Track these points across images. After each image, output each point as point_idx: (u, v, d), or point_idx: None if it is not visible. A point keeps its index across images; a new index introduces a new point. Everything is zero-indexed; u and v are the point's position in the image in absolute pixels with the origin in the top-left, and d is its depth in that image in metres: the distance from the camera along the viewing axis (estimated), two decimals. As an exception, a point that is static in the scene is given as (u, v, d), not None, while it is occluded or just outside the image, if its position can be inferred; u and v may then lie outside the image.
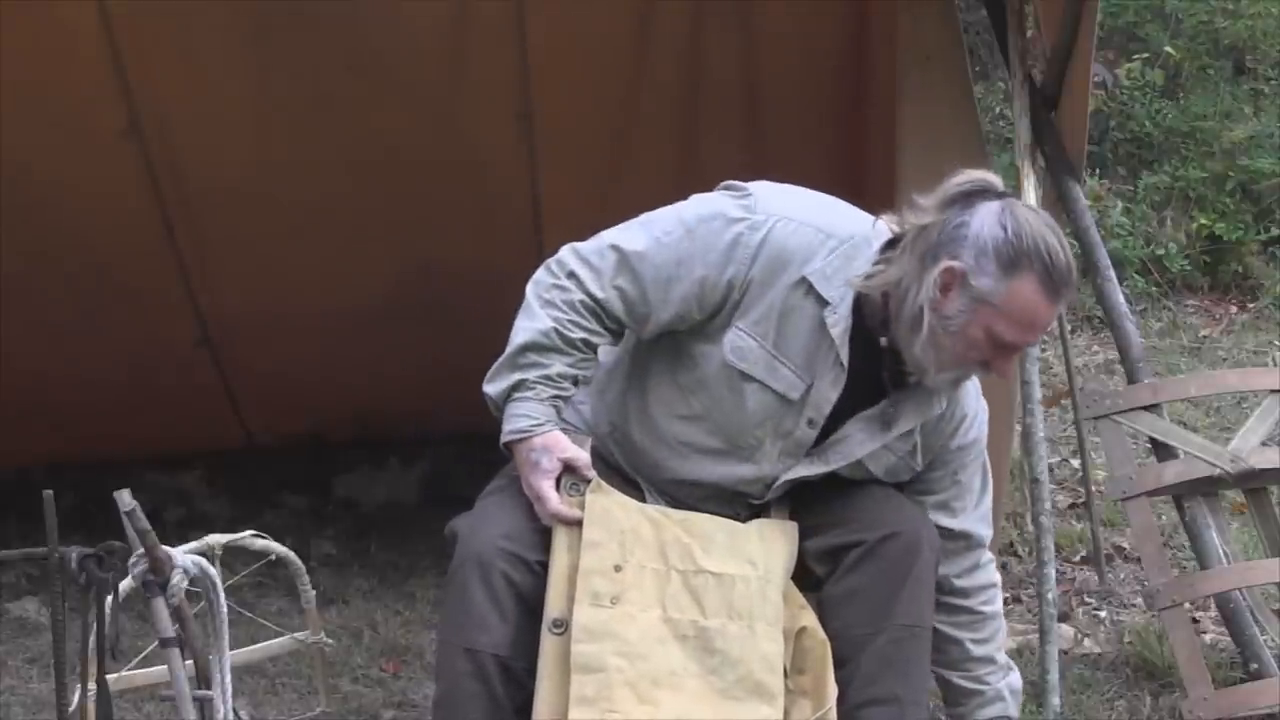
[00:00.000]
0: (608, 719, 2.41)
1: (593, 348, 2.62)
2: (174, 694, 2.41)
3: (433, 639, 3.16)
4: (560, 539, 2.56)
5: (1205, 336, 6.64)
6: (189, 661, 2.44)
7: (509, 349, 2.59)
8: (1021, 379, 3.41)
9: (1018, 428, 3.74)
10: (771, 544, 2.64)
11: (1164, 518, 4.05)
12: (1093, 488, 4.16)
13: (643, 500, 2.67)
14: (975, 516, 2.80)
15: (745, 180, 2.67)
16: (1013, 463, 3.92)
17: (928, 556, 2.65)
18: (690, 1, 3.90)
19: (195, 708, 2.41)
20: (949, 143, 3.64)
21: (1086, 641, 3.72)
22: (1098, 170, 7.26)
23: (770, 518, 2.72)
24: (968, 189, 2.53)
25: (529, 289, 2.62)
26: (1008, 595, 4.01)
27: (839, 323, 2.56)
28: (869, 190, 4.11)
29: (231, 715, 2.48)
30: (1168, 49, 7.76)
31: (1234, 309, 7.00)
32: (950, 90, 3.65)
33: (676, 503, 2.69)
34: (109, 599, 2.28)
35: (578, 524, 2.55)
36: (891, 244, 2.58)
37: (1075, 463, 4.67)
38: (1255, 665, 3.33)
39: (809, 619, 2.62)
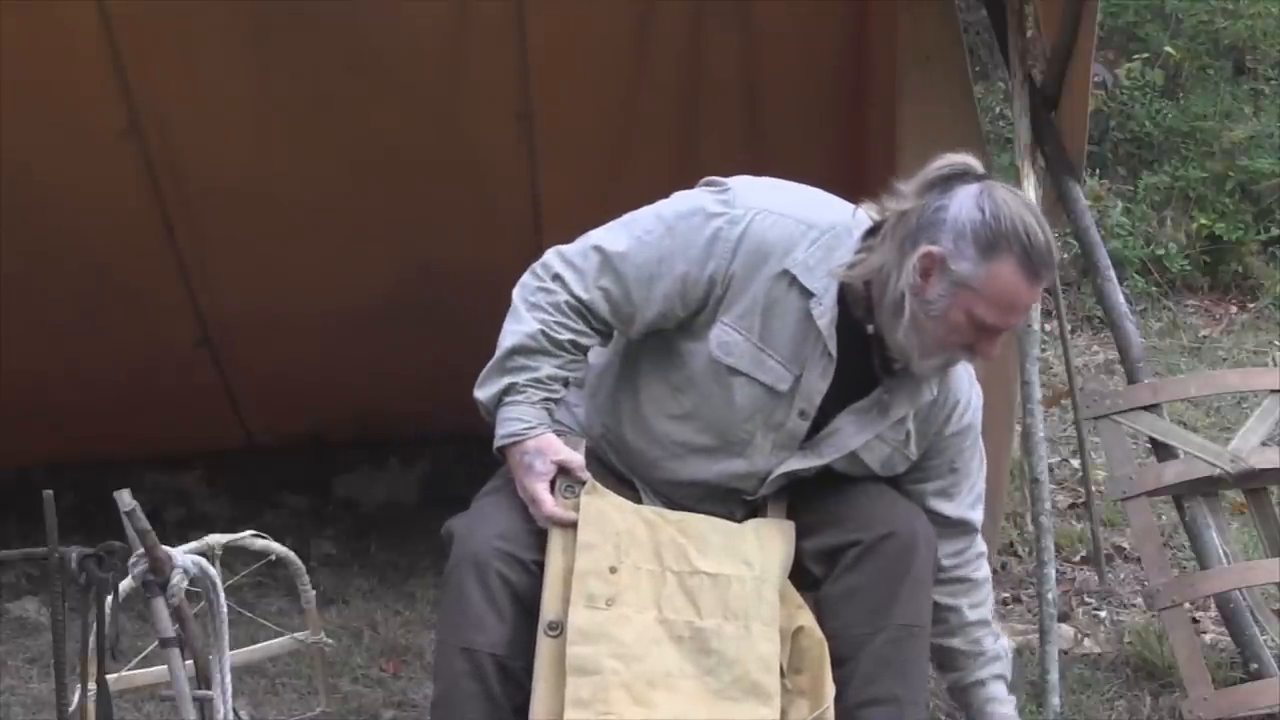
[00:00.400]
0: (603, 720, 2.42)
1: (581, 349, 2.63)
2: (174, 694, 2.41)
3: (432, 639, 3.16)
4: (555, 541, 2.56)
5: (1205, 336, 6.64)
6: (189, 661, 2.44)
7: (497, 353, 2.61)
8: (1021, 379, 3.41)
9: (1018, 428, 3.74)
10: (768, 544, 2.64)
11: (1164, 518, 4.05)
12: (1093, 488, 4.16)
13: (638, 501, 2.67)
14: (971, 502, 2.81)
15: None
16: (1013, 463, 3.93)
17: (925, 555, 2.65)
18: (690, 1, 3.90)
19: (195, 708, 2.41)
20: (949, 143, 3.61)
21: (1086, 641, 3.72)
22: (1098, 170, 7.26)
23: (767, 517, 2.72)
24: (946, 173, 2.54)
25: (515, 293, 2.63)
26: (1008, 595, 4.02)
27: (825, 313, 2.56)
28: (869, 190, 4.09)
29: (231, 715, 2.48)
30: (1168, 49, 7.76)
31: (1234, 309, 7.00)
32: (950, 90, 3.65)
33: (672, 503, 2.69)
34: (109, 599, 2.28)
35: (573, 526, 2.55)
36: (872, 232, 2.58)
37: (1075, 463, 4.67)
38: (1255, 665, 3.33)
39: (806, 618, 2.62)
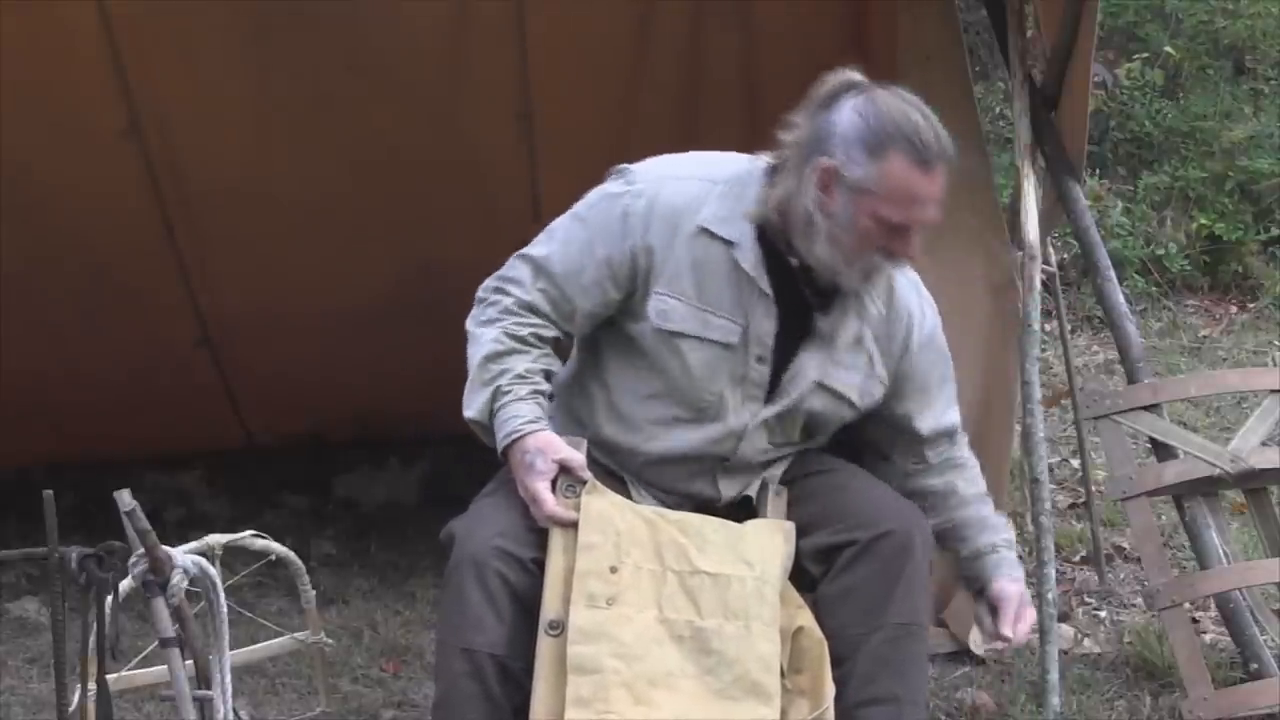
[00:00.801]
0: (604, 720, 2.42)
1: (545, 341, 2.69)
2: (174, 694, 2.41)
3: (432, 639, 3.16)
4: (556, 541, 2.56)
5: (1205, 336, 6.65)
6: (189, 661, 2.44)
7: (471, 372, 2.67)
8: (1021, 379, 3.41)
9: (1018, 428, 3.74)
10: (768, 544, 2.64)
11: (1164, 518, 4.05)
12: (1093, 488, 4.16)
13: (628, 496, 2.68)
14: (945, 408, 2.85)
15: None
16: (1013, 463, 3.92)
17: (920, 555, 2.65)
18: (690, 1, 3.90)
19: (195, 708, 2.41)
20: (949, 142, 3.64)
21: (1086, 641, 3.72)
22: (1098, 170, 7.27)
23: (767, 518, 2.72)
24: (829, 91, 2.62)
25: (468, 325, 2.72)
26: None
27: (748, 256, 2.63)
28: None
29: (231, 715, 2.48)
30: (1168, 49, 7.76)
31: (1234, 309, 7.00)
32: (950, 90, 3.64)
33: (661, 489, 2.72)
34: (109, 599, 2.28)
35: (573, 526, 2.55)
36: (775, 170, 2.65)
37: (1075, 463, 4.67)
38: (1255, 665, 3.33)
39: (806, 618, 2.62)
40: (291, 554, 3.06)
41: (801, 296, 2.66)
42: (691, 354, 2.65)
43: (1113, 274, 3.62)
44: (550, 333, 2.69)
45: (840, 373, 2.71)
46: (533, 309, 2.68)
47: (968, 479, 2.87)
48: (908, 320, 2.76)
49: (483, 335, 2.68)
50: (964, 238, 3.60)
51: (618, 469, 2.74)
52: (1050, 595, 3.29)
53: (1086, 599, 4.04)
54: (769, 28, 3.95)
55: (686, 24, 3.93)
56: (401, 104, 3.89)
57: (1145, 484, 3.36)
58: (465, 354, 2.73)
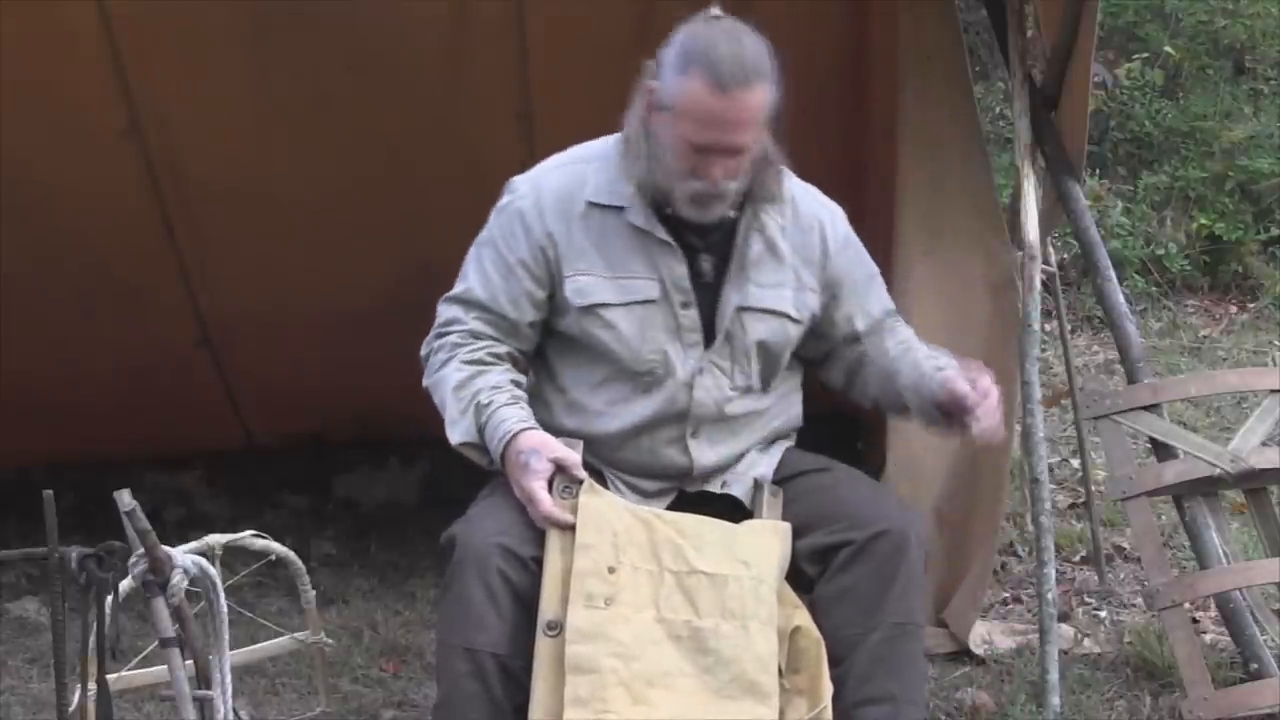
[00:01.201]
0: (602, 720, 2.42)
1: (502, 358, 2.76)
2: (174, 694, 2.41)
3: (432, 639, 3.16)
4: (554, 541, 2.57)
5: (1205, 336, 6.65)
6: (189, 661, 2.44)
7: (446, 409, 2.73)
8: (1021, 379, 3.41)
9: (1018, 428, 3.74)
10: (764, 544, 2.65)
11: (1164, 518, 4.05)
12: (1093, 488, 4.15)
13: (605, 487, 2.70)
14: (880, 300, 2.92)
15: None
16: (1013, 463, 3.92)
17: (916, 554, 2.66)
18: (690, 2, 3.90)
19: (195, 708, 2.41)
20: (949, 143, 3.64)
21: (1086, 641, 3.72)
22: (1098, 170, 7.27)
23: (763, 519, 2.72)
24: (673, 35, 2.70)
25: (424, 382, 2.83)
26: (1008, 595, 4.02)
27: (638, 214, 2.71)
28: (869, 190, 4.12)
29: (231, 715, 2.48)
30: (1167, 49, 7.76)
31: (1234, 309, 7.00)
32: (950, 90, 3.64)
33: (639, 475, 2.76)
34: (109, 599, 2.28)
35: (569, 529, 2.56)
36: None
37: (1075, 463, 4.66)
38: (1255, 665, 3.33)
39: (803, 618, 2.62)
40: (291, 554, 3.06)
41: (713, 242, 2.73)
42: (620, 321, 2.71)
43: (1113, 274, 3.62)
44: (503, 349, 2.77)
45: (767, 293, 2.77)
46: (477, 335, 2.77)
47: (903, 336, 2.91)
48: (819, 227, 2.83)
49: (443, 376, 2.76)
50: (964, 238, 3.60)
51: (595, 462, 2.75)
52: (1050, 595, 3.29)
53: (1086, 599, 4.04)
54: (769, 28, 3.94)
55: (686, 24, 3.92)
56: (401, 104, 3.89)
57: (1145, 484, 3.36)
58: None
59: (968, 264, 3.59)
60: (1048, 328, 4.17)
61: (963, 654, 3.62)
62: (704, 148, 2.62)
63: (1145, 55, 7.71)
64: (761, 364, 2.80)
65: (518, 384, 2.75)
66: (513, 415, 2.65)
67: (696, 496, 2.80)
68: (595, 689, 2.43)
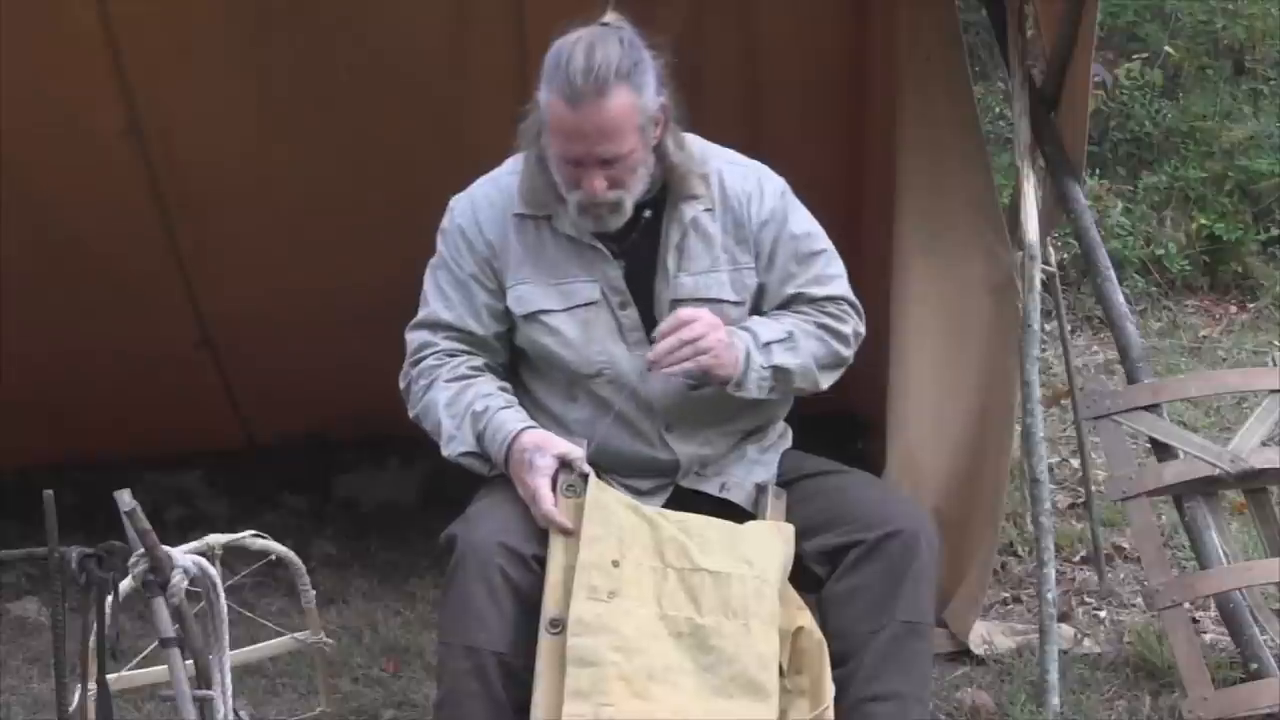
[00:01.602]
0: (602, 713, 2.42)
1: (482, 370, 2.79)
2: (174, 694, 2.41)
3: (433, 639, 3.16)
4: (557, 540, 2.58)
5: (1205, 336, 6.64)
6: (189, 661, 2.44)
7: (442, 426, 2.74)
8: (1021, 379, 3.41)
9: (1018, 428, 3.74)
10: (767, 545, 2.65)
11: (1164, 518, 4.05)
12: (1093, 488, 4.15)
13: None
14: (819, 276, 2.86)
15: None
16: (1013, 463, 3.92)
17: (927, 554, 2.67)
18: (690, 1, 3.90)
19: (195, 708, 2.41)
20: (949, 143, 3.64)
21: (1086, 641, 3.72)
22: (1098, 170, 7.26)
23: (767, 520, 2.72)
24: None
25: (411, 415, 2.83)
26: (1008, 595, 4.02)
27: (566, 221, 2.72)
28: (869, 190, 4.12)
29: (231, 715, 2.48)
30: (1167, 49, 7.76)
31: (1234, 309, 7.00)
32: (950, 90, 3.64)
33: (631, 473, 2.77)
34: (109, 599, 2.28)
35: (568, 533, 2.57)
36: None
37: (1075, 463, 4.66)
38: (1255, 665, 3.32)
39: (805, 619, 2.63)
40: (291, 554, 3.06)
41: (638, 242, 2.74)
42: (563, 326, 2.74)
43: (1113, 274, 3.62)
44: (479, 361, 2.80)
45: (699, 280, 2.77)
46: (452, 354, 2.79)
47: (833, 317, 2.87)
48: (745, 201, 2.81)
49: (430, 400, 2.77)
50: (964, 238, 3.60)
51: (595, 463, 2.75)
52: (1050, 595, 3.29)
53: (1086, 599, 4.03)
54: (769, 28, 3.95)
55: (686, 24, 3.92)
56: (401, 104, 3.89)
57: (1145, 484, 3.36)
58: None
59: (967, 264, 3.58)
60: (1048, 328, 4.17)
61: (963, 654, 3.61)
62: (576, 160, 2.64)
63: (1145, 55, 7.70)
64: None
65: (506, 390, 2.77)
66: (511, 417, 2.67)
67: (696, 496, 2.80)
68: (596, 682, 2.44)
